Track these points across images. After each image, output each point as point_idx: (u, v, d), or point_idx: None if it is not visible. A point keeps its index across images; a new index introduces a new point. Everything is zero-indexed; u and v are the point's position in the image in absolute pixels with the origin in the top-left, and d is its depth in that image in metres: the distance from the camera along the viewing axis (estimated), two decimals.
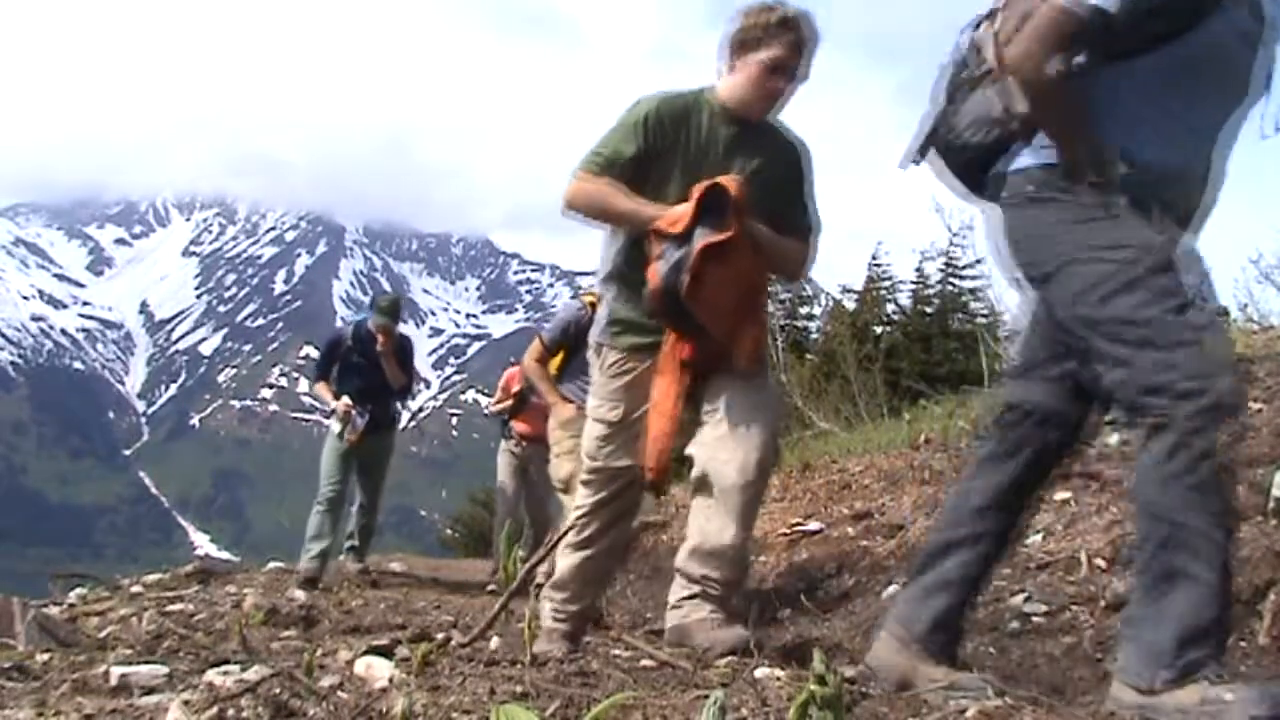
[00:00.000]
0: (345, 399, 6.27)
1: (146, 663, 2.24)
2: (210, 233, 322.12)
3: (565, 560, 3.06)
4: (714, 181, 2.66)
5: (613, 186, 2.76)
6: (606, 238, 2.99)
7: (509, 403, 6.86)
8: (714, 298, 2.65)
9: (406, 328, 6.81)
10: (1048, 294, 2.04)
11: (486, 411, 7.52)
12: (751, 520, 2.84)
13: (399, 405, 6.87)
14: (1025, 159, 2.05)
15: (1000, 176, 2.10)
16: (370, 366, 6.36)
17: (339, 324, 6.89)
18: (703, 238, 2.60)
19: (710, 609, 2.73)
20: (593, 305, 4.60)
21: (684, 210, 2.65)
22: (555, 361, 5.06)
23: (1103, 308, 1.87)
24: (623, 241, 2.89)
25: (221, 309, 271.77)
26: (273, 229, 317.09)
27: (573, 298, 5.61)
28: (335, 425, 6.30)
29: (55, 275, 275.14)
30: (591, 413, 2.97)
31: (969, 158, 2.17)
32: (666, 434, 2.72)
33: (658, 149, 2.79)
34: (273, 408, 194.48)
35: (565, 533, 3.79)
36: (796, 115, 2.95)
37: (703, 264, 2.59)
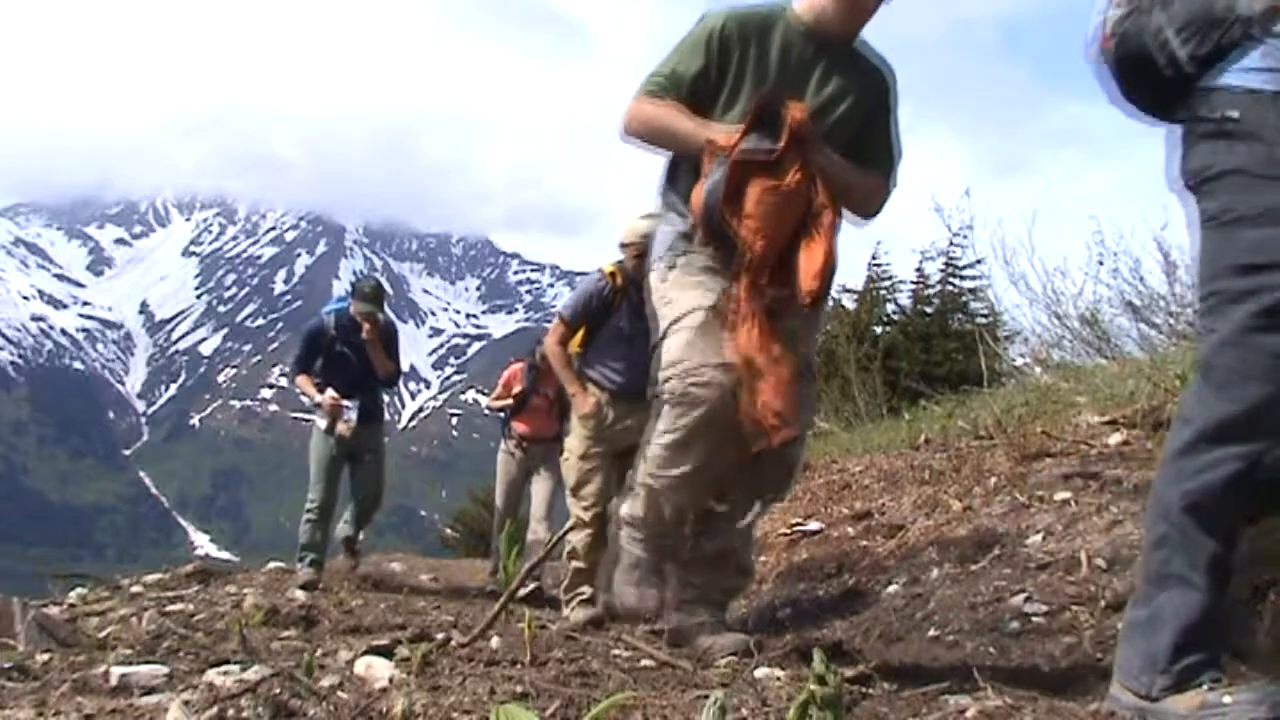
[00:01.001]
0: (331, 392, 5.94)
1: (146, 663, 2.24)
2: (210, 233, 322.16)
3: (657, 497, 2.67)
4: (772, 93, 2.43)
5: (674, 107, 2.52)
6: (667, 165, 2.74)
7: (509, 401, 6.61)
8: (758, 218, 2.40)
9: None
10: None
11: (486, 408, 7.28)
12: (755, 527, 2.80)
13: (386, 396, 6.55)
14: (1231, 78, 1.74)
15: (1207, 92, 1.77)
16: (355, 356, 6.02)
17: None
18: (742, 152, 2.38)
19: (711, 612, 2.65)
20: (614, 276, 4.46)
21: (732, 129, 2.44)
22: (576, 340, 4.73)
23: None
24: (686, 166, 2.63)
25: (221, 309, 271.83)
26: (273, 229, 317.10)
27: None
28: (322, 421, 5.99)
29: (55, 275, 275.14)
30: (676, 314, 2.57)
31: (1168, 72, 1.80)
32: (784, 380, 2.37)
33: (726, 67, 2.54)
34: (273, 408, 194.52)
35: (564, 533, 3.80)
36: None
37: (742, 178, 2.37)
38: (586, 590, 4.51)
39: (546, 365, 6.15)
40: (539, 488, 6.30)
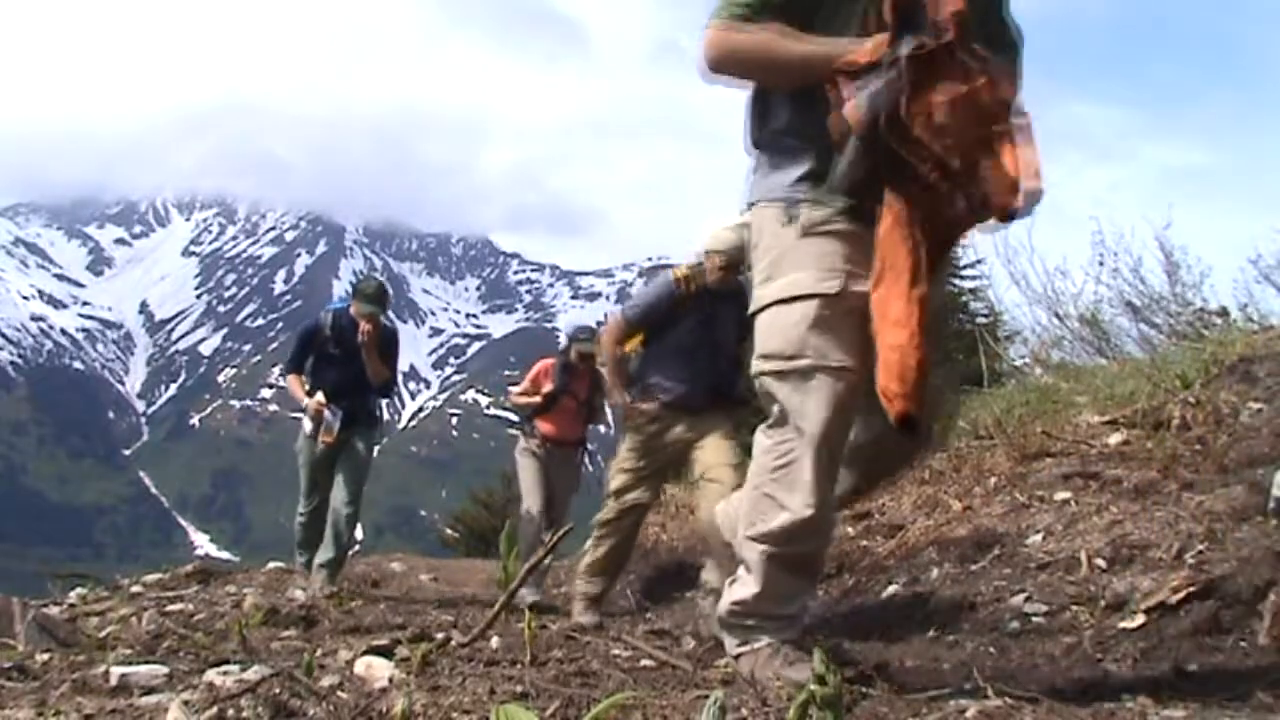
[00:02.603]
0: (318, 396, 5.61)
1: (146, 663, 2.24)
2: (210, 233, 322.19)
3: (771, 513, 2.22)
4: None
5: (775, 30, 2.12)
6: (754, 106, 2.32)
7: (536, 399, 6.08)
8: (943, 121, 1.97)
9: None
10: None
11: (508, 402, 6.59)
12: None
13: (379, 402, 6.05)
14: None
15: None
16: (348, 359, 5.67)
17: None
18: (917, 49, 1.99)
19: (772, 640, 2.20)
20: (685, 281, 4.23)
21: (878, 38, 2.04)
22: (632, 343, 4.47)
23: None
24: (784, 101, 2.24)
25: (221, 309, 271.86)
26: (273, 229, 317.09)
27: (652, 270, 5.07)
28: (307, 425, 5.69)
29: (55, 275, 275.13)
30: (781, 292, 2.18)
31: None
32: (912, 347, 1.96)
33: None
34: (273, 408, 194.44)
35: (563, 534, 3.76)
36: None
37: (917, 75, 1.97)
38: (595, 588, 4.56)
39: (580, 365, 6.01)
40: (554, 493, 6.03)
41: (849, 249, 2.13)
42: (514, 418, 6.98)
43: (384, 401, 6.18)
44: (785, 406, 2.15)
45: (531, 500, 5.94)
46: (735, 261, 4.14)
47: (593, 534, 4.58)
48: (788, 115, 2.24)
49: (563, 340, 6.60)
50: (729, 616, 2.27)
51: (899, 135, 1.96)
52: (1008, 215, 2.01)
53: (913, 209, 2.00)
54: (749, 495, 2.25)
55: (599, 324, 6.31)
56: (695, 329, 4.24)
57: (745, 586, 2.24)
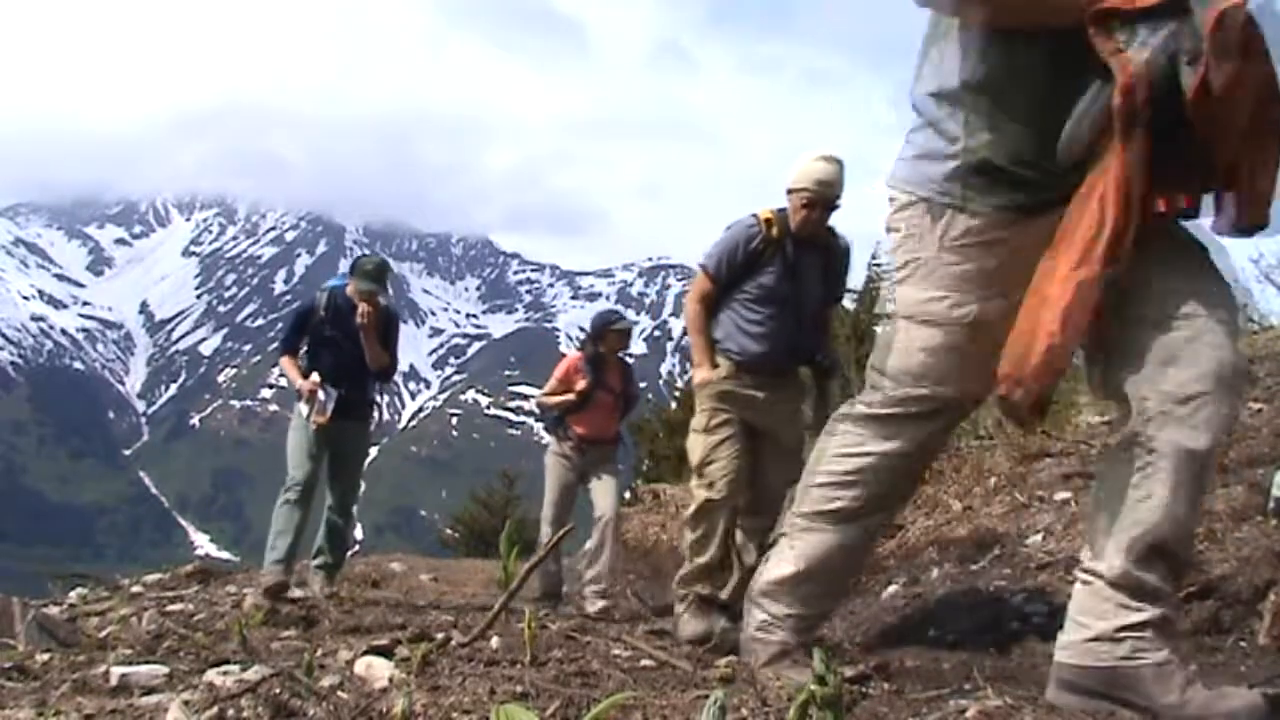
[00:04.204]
0: (314, 376, 5.21)
1: (146, 663, 2.24)
2: (210, 233, 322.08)
3: (812, 541, 2.25)
4: None
5: None
6: (944, 42, 2.02)
7: (569, 398, 5.58)
8: (1243, 95, 1.70)
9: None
10: None
11: (537, 405, 6.00)
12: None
13: (377, 390, 5.66)
14: None
15: None
16: (345, 341, 5.26)
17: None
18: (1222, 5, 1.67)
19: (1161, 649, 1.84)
20: (768, 224, 3.67)
21: None
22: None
23: None
24: (990, 41, 1.93)
25: (221, 309, 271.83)
26: (273, 229, 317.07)
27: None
28: (302, 407, 5.26)
29: (55, 275, 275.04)
30: (914, 309, 2.05)
31: None
32: (1044, 332, 1.77)
33: None
34: (273, 408, 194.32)
35: (563, 534, 3.76)
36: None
37: (1226, 36, 1.67)
38: (704, 589, 3.76)
39: (609, 358, 5.63)
40: (601, 491, 5.52)
41: (995, 263, 1.95)
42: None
43: (382, 391, 5.78)
44: (884, 417, 2.13)
45: (549, 506, 5.59)
46: (823, 200, 3.63)
47: (687, 530, 3.84)
48: (986, 67, 1.93)
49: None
50: (762, 596, 2.29)
51: (1200, 96, 1.68)
52: (1254, 228, 1.83)
53: (1129, 182, 1.74)
54: (811, 478, 2.26)
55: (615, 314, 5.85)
56: (781, 277, 3.69)
57: (782, 566, 2.27)
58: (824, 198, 3.62)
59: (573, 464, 5.57)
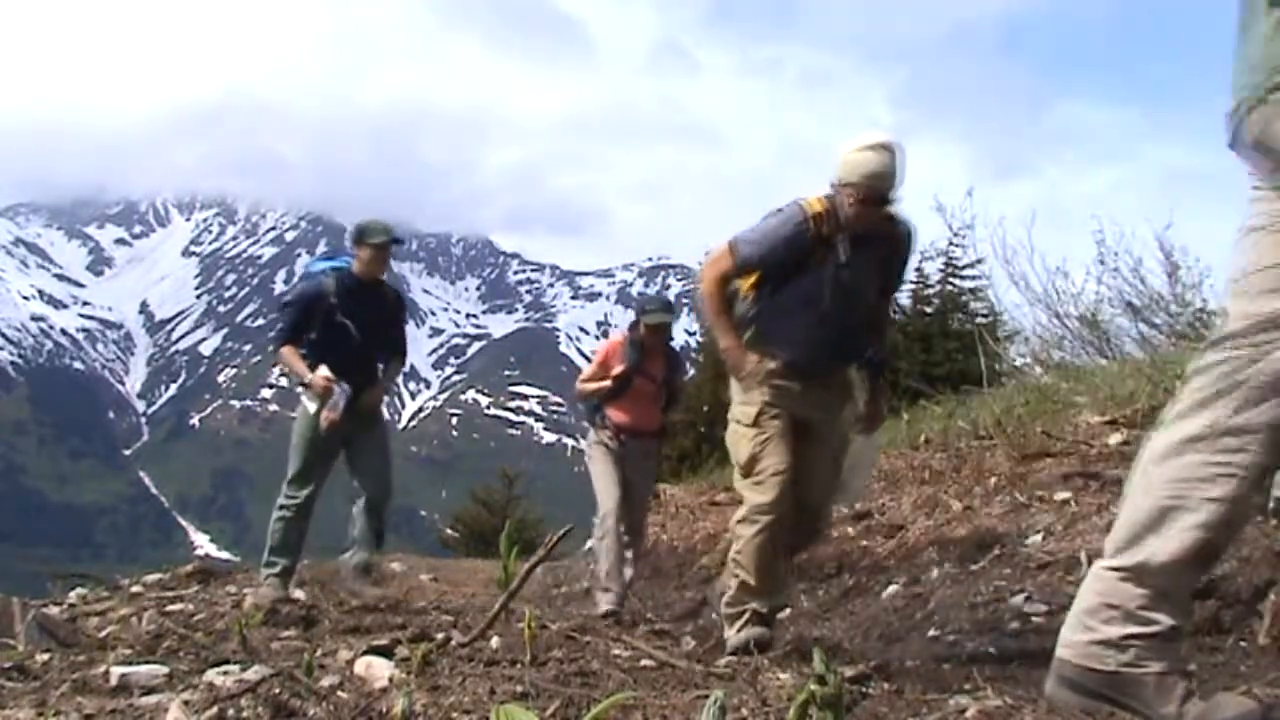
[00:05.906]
0: (325, 370, 4.80)
1: (146, 663, 2.24)
2: (210, 233, 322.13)
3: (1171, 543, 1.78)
4: None
5: None
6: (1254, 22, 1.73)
7: (606, 384, 5.16)
8: None
9: (406, 327, 5.43)
10: None
11: (577, 390, 5.50)
12: None
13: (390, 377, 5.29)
14: None
15: None
16: (358, 329, 4.88)
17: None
18: None
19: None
20: (818, 219, 3.24)
21: None
22: (747, 283, 3.47)
23: None
24: None
25: (221, 309, 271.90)
26: (273, 229, 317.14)
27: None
28: (311, 404, 4.87)
29: (55, 275, 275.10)
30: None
31: None
32: None
33: None
34: (273, 408, 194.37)
35: (563, 534, 3.72)
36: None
37: None
38: (756, 604, 3.29)
39: (652, 343, 5.13)
40: (630, 491, 5.14)
41: None
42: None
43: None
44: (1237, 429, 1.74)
45: (607, 499, 5.06)
46: (876, 195, 3.22)
47: (738, 538, 3.36)
48: None
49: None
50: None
51: None
52: None
53: None
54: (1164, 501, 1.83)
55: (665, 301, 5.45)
56: (823, 286, 3.29)
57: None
58: (877, 192, 3.22)
59: (611, 451, 5.15)
